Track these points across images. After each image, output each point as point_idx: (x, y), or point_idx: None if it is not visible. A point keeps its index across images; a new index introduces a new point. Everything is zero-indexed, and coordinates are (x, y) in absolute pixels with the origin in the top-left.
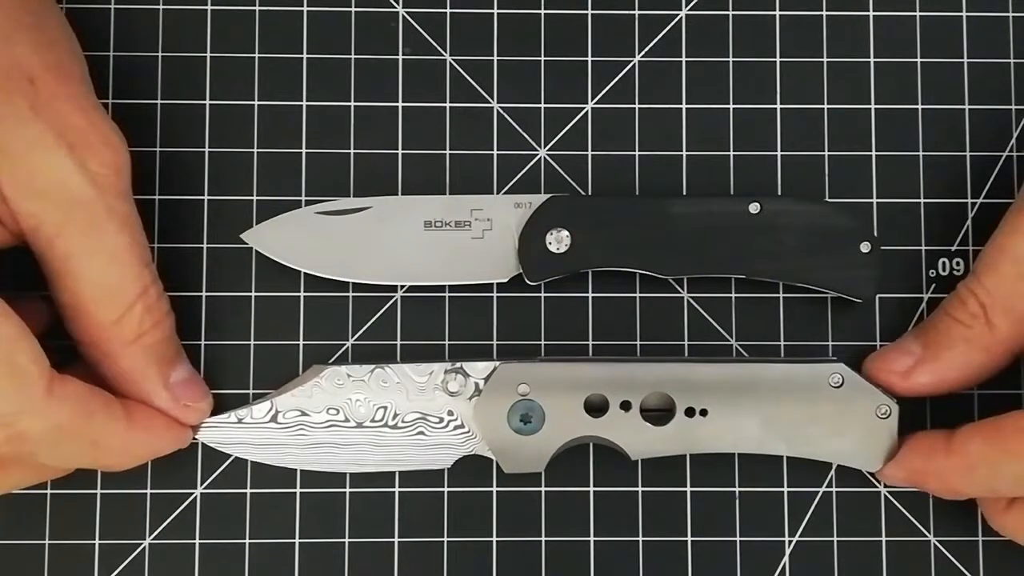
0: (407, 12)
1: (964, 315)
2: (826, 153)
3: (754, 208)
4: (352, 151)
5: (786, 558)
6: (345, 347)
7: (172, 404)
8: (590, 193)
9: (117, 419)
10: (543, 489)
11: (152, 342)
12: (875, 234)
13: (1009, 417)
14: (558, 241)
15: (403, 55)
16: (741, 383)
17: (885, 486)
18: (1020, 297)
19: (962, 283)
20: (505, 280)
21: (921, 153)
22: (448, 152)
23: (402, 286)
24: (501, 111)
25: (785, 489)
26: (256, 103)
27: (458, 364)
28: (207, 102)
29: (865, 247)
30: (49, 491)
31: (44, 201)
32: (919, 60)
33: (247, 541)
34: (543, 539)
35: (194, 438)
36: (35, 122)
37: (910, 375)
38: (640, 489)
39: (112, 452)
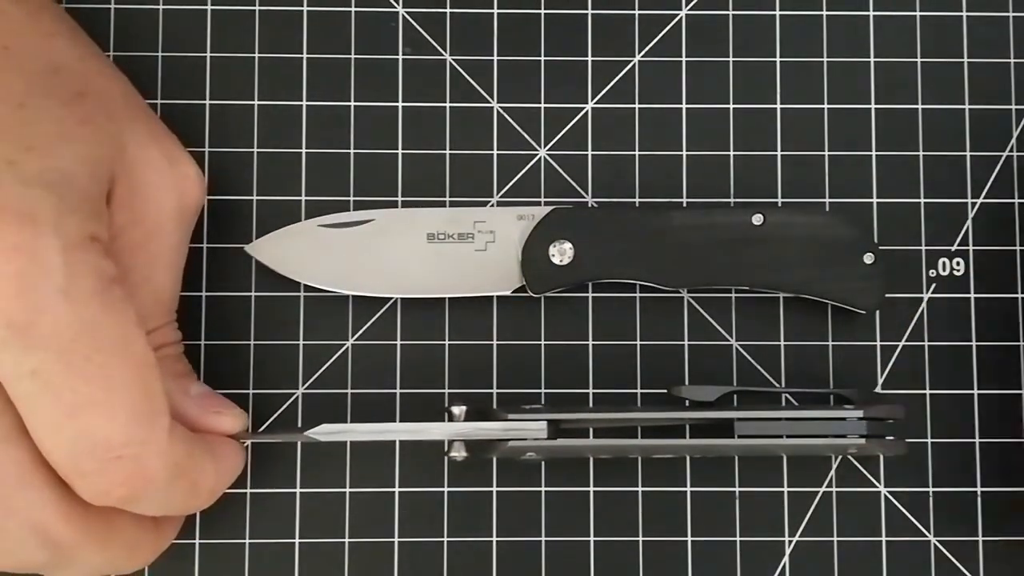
0: (407, 12)
1: None
2: (826, 153)
3: (757, 219)
4: (352, 151)
5: (786, 558)
6: (345, 347)
7: (200, 412)
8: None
9: (206, 453)
10: (543, 489)
11: (174, 354)
12: (878, 245)
13: None
14: (561, 253)
15: (403, 55)
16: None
17: (885, 486)
18: None
19: None
20: (508, 292)
21: (921, 153)
22: (448, 152)
23: None
24: (501, 111)
25: (785, 489)
26: (256, 103)
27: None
28: (207, 102)
29: (868, 258)
30: None
31: (141, 220)
32: (919, 60)
33: (247, 541)
34: (543, 539)
35: None
36: (153, 146)
37: None
38: (640, 489)
39: (203, 493)
